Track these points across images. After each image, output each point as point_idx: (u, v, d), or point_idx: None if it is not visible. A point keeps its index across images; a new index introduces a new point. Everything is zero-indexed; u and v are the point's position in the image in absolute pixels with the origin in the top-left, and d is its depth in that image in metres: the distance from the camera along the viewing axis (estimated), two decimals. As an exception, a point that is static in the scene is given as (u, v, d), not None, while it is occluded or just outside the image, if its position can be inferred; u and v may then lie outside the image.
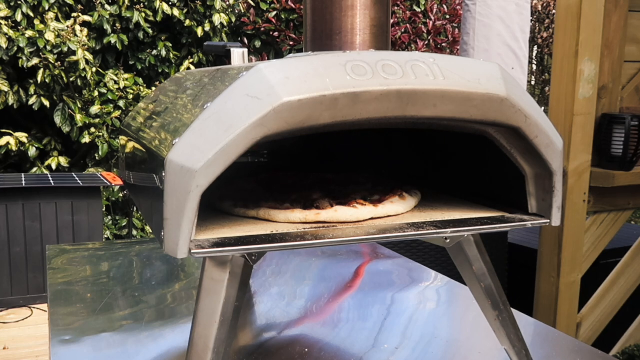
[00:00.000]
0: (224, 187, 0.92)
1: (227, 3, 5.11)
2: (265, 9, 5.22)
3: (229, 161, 0.64)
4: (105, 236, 4.41)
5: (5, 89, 4.28)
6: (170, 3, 4.85)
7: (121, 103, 4.59)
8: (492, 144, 0.81)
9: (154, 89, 4.64)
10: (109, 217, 4.63)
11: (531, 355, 0.95)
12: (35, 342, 3.16)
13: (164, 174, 0.65)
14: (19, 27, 4.23)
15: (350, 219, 0.80)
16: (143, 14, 4.70)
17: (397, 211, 0.85)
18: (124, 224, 4.63)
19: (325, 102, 0.65)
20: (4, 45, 4.14)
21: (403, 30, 5.32)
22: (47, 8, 4.37)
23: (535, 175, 0.83)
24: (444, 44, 5.60)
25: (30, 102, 4.35)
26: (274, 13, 5.19)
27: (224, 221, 0.81)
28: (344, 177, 1.08)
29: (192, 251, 0.67)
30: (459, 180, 0.99)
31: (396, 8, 5.43)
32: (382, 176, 1.10)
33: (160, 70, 4.93)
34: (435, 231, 0.78)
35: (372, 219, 0.82)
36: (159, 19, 4.76)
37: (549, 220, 0.83)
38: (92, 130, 4.49)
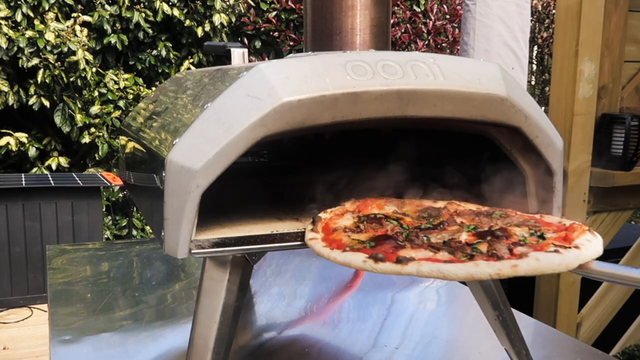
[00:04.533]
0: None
1: (227, 3, 5.11)
2: (265, 9, 5.22)
3: (229, 161, 0.64)
4: (105, 236, 4.41)
5: (5, 89, 4.28)
6: (170, 3, 4.85)
7: (121, 103, 4.59)
8: (493, 143, 0.81)
9: (154, 89, 4.64)
10: (109, 217, 4.63)
11: (531, 355, 0.95)
12: (35, 342, 3.16)
13: (164, 174, 0.65)
14: (19, 27, 4.23)
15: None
16: (143, 14, 4.70)
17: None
18: (124, 224, 4.63)
19: (325, 102, 0.65)
20: (4, 45, 4.14)
21: (403, 30, 5.31)
22: (47, 8, 4.37)
23: (536, 175, 0.82)
24: (444, 44, 5.60)
25: (30, 102, 4.35)
26: (274, 13, 5.19)
27: (224, 221, 0.81)
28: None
29: (192, 251, 0.67)
30: (459, 179, 0.99)
31: (396, 8, 5.43)
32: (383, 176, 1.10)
33: (160, 70, 4.93)
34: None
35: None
36: (159, 19, 4.75)
37: (549, 220, 0.82)
38: (92, 130, 4.49)
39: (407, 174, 1.10)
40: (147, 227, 4.56)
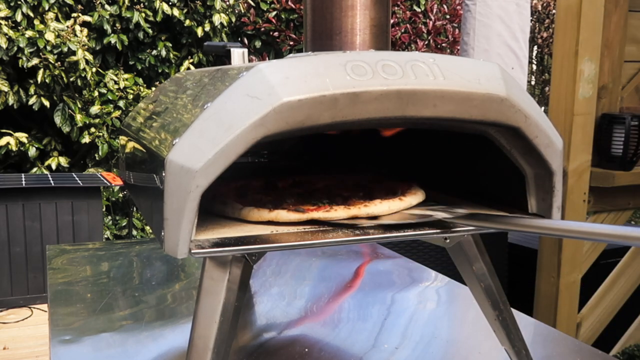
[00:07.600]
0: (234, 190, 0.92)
1: (227, 3, 5.11)
2: (265, 9, 5.22)
3: (229, 161, 0.64)
4: (105, 236, 4.41)
5: (5, 89, 4.28)
6: (170, 3, 4.85)
7: (121, 103, 4.59)
8: (492, 143, 0.81)
9: (154, 89, 4.64)
10: (109, 217, 4.63)
11: (531, 355, 0.95)
12: (35, 342, 3.16)
13: (164, 174, 0.65)
14: (19, 27, 4.23)
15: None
16: (143, 14, 4.70)
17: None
18: (124, 224, 4.63)
19: (325, 102, 0.65)
20: (4, 45, 4.14)
21: (403, 30, 5.32)
22: (47, 8, 4.37)
23: (535, 175, 0.82)
24: (444, 44, 5.60)
25: (30, 102, 4.35)
26: (274, 13, 5.19)
27: (224, 221, 0.81)
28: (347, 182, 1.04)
29: (192, 251, 0.67)
30: (459, 180, 0.99)
31: (396, 8, 5.43)
32: (382, 175, 1.10)
33: (160, 70, 4.93)
34: (435, 231, 0.78)
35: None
36: (159, 19, 4.76)
37: (549, 220, 0.82)
38: (92, 130, 4.49)
39: (403, 174, 1.10)
40: (147, 227, 4.56)
